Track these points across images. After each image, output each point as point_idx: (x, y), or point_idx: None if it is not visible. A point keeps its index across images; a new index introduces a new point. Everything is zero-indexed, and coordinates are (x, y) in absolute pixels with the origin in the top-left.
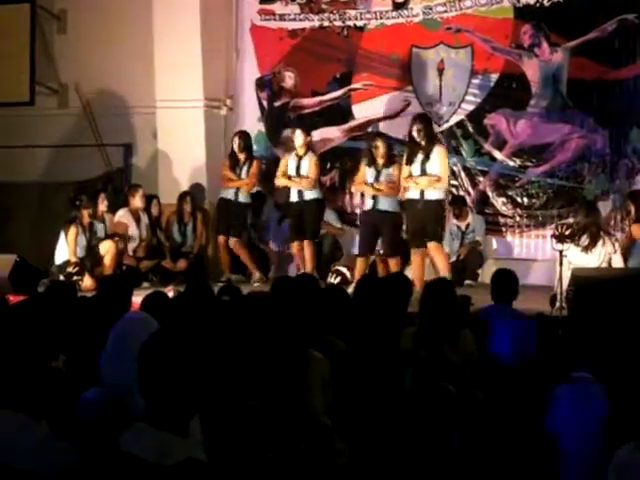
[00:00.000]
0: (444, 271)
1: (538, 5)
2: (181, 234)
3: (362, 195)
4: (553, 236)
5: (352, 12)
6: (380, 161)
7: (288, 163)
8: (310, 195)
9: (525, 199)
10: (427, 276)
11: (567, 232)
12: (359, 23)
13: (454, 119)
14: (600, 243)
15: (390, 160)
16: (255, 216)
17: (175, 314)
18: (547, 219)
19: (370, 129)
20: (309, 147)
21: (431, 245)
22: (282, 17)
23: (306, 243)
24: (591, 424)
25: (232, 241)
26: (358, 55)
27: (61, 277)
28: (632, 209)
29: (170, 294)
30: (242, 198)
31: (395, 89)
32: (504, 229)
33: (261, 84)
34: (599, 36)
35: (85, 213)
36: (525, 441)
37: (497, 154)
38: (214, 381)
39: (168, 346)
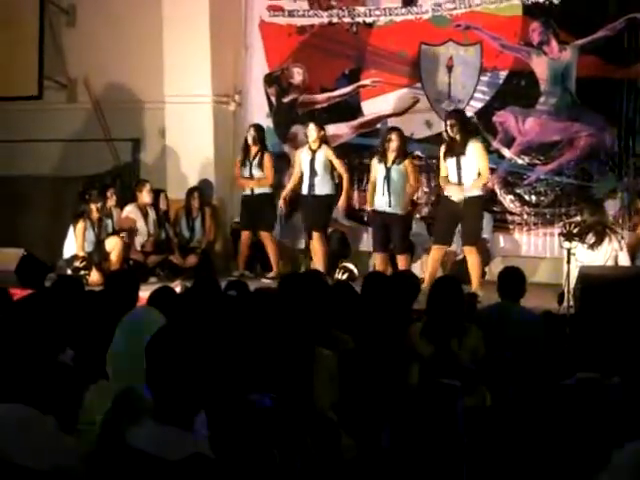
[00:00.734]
0: (476, 281)
1: (547, 3)
2: (189, 229)
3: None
4: (561, 234)
5: (361, 9)
6: (391, 156)
7: (302, 157)
8: (323, 190)
9: (533, 197)
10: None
11: (575, 230)
12: (368, 20)
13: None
14: (606, 241)
15: (403, 155)
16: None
17: (182, 309)
18: (555, 217)
19: (379, 125)
20: (323, 141)
21: (470, 250)
22: (291, 13)
23: (316, 236)
24: None
25: (264, 234)
26: (367, 52)
27: (68, 271)
28: None
29: (177, 289)
30: (265, 190)
31: (404, 86)
32: (512, 227)
33: (270, 80)
34: (608, 34)
35: (94, 208)
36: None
37: (505, 152)
38: (220, 376)
39: (175, 341)
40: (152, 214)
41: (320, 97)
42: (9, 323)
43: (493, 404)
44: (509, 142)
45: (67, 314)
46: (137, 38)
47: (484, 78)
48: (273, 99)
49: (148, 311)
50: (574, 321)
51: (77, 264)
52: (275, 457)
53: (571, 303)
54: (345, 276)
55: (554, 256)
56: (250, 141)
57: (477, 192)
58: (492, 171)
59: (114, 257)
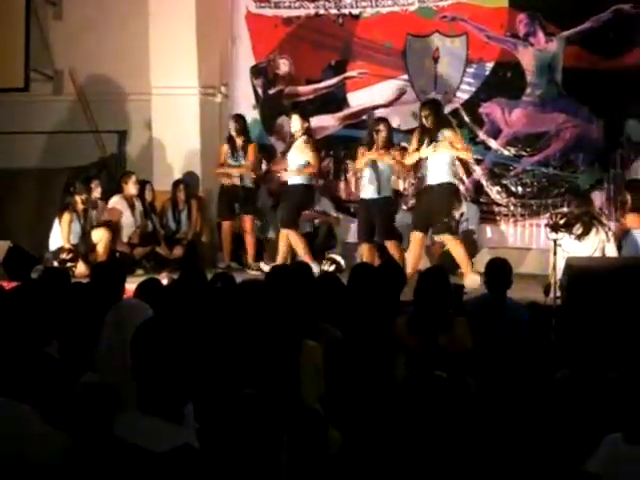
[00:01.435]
0: (465, 265)
1: None
2: (175, 221)
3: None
4: (547, 225)
5: (347, 0)
6: (379, 145)
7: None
8: (295, 180)
9: (519, 188)
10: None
11: (561, 221)
12: (354, 11)
13: (449, 108)
14: (593, 232)
15: (390, 145)
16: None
17: (169, 301)
18: (541, 208)
19: (365, 117)
20: (305, 132)
21: (445, 238)
22: (277, 4)
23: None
24: None
25: (247, 218)
26: (353, 43)
27: (55, 263)
28: (629, 199)
29: (164, 281)
30: (248, 183)
31: (390, 77)
32: (498, 218)
33: (256, 71)
34: (594, 26)
35: (79, 199)
36: (518, 428)
37: (492, 143)
38: (207, 368)
39: (162, 333)
40: (138, 205)
41: (306, 88)
42: None
43: (479, 395)
44: (495, 133)
45: (53, 306)
46: (123, 30)
47: (470, 69)
48: (259, 90)
49: (136, 303)
50: (561, 312)
51: (63, 256)
52: (262, 448)
53: (558, 294)
54: (332, 268)
55: (540, 247)
56: (234, 132)
57: (447, 179)
58: (478, 162)
59: (100, 249)
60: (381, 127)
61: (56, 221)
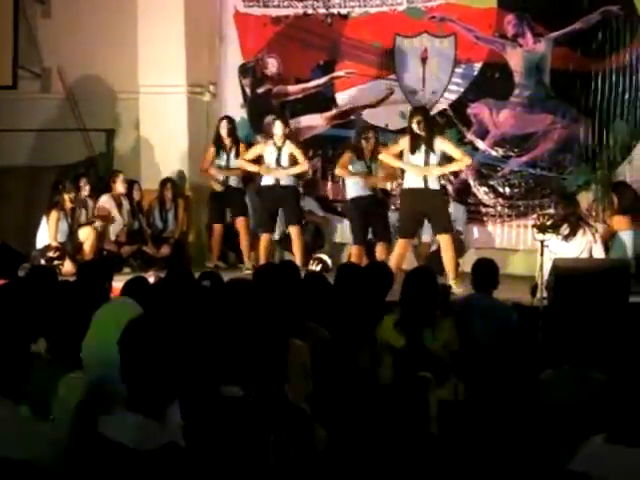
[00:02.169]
0: (452, 270)
1: None
2: (162, 220)
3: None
4: (534, 226)
5: (336, 0)
6: (368, 154)
7: (266, 151)
8: (288, 181)
9: (507, 189)
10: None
11: (548, 222)
12: (343, 11)
13: (437, 108)
14: (580, 233)
15: (376, 153)
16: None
17: (156, 299)
18: (529, 209)
19: (353, 117)
20: (287, 137)
21: (445, 237)
22: (266, 4)
23: (294, 230)
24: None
25: (239, 220)
26: (342, 43)
27: (42, 261)
28: (615, 200)
29: (151, 279)
30: (235, 183)
31: (378, 77)
32: (485, 218)
33: (244, 71)
34: (583, 27)
35: (67, 198)
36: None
37: (479, 143)
38: (194, 367)
39: (149, 331)
40: (126, 204)
41: (294, 88)
42: None
43: (466, 396)
44: (483, 134)
45: (40, 304)
46: (112, 28)
47: (458, 70)
48: (247, 90)
49: (124, 302)
50: (547, 313)
51: (50, 254)
52: (248, 447)
53: (544, 295)
54: (319, 267)
55: (528, 248)
56: (225, 133)
57: (438, 186)
58: None
59: (87, 247)
60: (370, 135)
61: (44, 219)
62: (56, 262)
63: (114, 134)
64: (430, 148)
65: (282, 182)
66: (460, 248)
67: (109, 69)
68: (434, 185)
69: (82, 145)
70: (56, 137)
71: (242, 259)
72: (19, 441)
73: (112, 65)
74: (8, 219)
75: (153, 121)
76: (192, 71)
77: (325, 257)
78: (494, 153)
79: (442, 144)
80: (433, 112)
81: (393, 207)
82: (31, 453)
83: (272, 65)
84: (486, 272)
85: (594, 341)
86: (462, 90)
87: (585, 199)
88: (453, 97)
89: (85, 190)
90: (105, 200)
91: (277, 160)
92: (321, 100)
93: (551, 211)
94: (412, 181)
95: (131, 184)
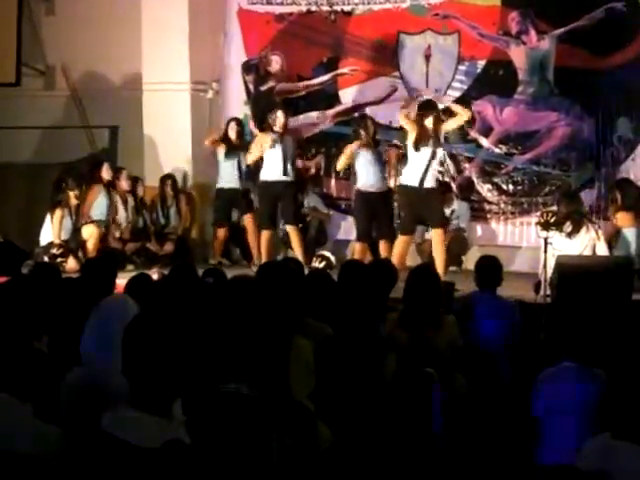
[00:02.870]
0: (441, 266)
1: None
2: (164, 217)
3: (347, 178)
4: (538, 223)
5: None
6: (370, 142)
7: (268, 146)
8: (289, 178)
9: (510, 186)
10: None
11: (552, 220)
12: (346, 8)
13: (440, 105)
14: (584, 230)
15: (375, 143)
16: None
17: (159, 296)
18: (532, 206)
19: (356, 114)
20: (287, 128)
21: (438, 232)
22: (269, 1)
23: (291, 229)
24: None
25: (247, 217)
26: (345, 40)
27: (45, 258)
28: (619, 197)
29: (154, 276)
30: (241, 181)
31: (382, 75)
32: (489, 216)
33: (247, 68)
34: (586, 24)
35: (71, 195)
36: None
37: (483, 141)
38: (197, 363)
39: (152, 328)
40: (131, 201)
41: (298, 85)
42: None
43: (470, 393)
44: (487, 131)
45: (44, 301)
46: (115, 25)
47: (462, 67)
48: (251, 87)
49: (123, 299)
50: (550, 310)
51: (54, 251)
52: (252, 444)
53: (547, 292)
54: (323, 264)
55: (531, 245)
56: (234, 135)
57: (434, 184)
58: (469, 160)
59: (90, 245)
60: (369, 123)
61: (48, 216)
62: (59, 259)
63: (117, 131)
64: (438, 142)
65: (282, 178)
66: (463, 245)
67: (113, 66)
68: (429, 184)
69: (85, 142)
70: (60, 134)
71: (249, 256)
72: (24, 438)
73: (116, 62)
74: (11, 216)
75: (156, 118)
76: (195, 68)
77: (329, 254)
78: (498, 150)
79: (446, 126)
80: None
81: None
82: (35, 450)
83: (276, 62)
84: (490, 269)
85: (597, 338)
86: (466, 87)
87: (589, 197)
88: (457, 94)
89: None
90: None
91: (284, 151)
92: (324, 97)
93: (554, 208)
94: (409, 179)
95: (135, 181)
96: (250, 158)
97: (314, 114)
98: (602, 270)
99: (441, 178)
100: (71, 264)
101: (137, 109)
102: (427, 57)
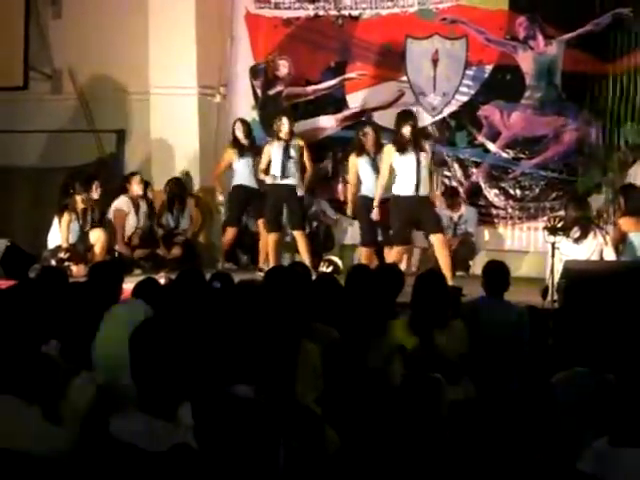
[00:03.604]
0: (447, 269)
1: None
2: (173, 219)
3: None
4: (545, 228)
5: (347, 1)
6: (371, 149)
7: (274, 147)
8: (293, 182)
9: (518, 191)
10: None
11: (559, 224)
12: (354, 12)
13: (448, 110)
14: (591, 235)
15: (379, 147)
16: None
17: (166, 301)
18: (539, 211)
19: (363, 119)
20: (293, 134)
21: (439, 237)
22: (277, 5)
23: (299, 234)
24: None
25: (261, 221)
26: (352, 44)
27: (52, 262)
28: (622, 202)
29: (162, 281)
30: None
31: (389, 79)
32: (496, 221)
33: (255, 72)
34: (594, 29)
35: (79, 199)
36: (515, 433)
37: (490, 146)
38: (205, 367)
39: (159, 332)
40: (143, 206)
41: (305, 90)
42: None
43: (477, 398)
44: (494, 136)
45: (51, 305)
46: (122, 29)
47: (469, 72)
48: (259, 91)
49: (134, 303)
50: (558, 316)
51: (61, 255)
52: (259, 449)
53: (555, 297)
54: (330, 269)
55: (538, 250)
56: (241, 135)
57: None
58: (477, 165)
59: (98, 249)
60: (367, 130)
61: (55, 220)
62: (67, 263)
63: (125, 135)
64: (420, 148)
65: (287, 181)
66: (471, 250)
67: (120, 70)
68: (424, 191)
69: (93, 146)
70: (67, 138)
71: (257, 261)
72: (31, 441)
73: (123, 66)
74: (18, 220)
75: (164, 122)
76: (203, 72)
77: (336, 259)
78: (505, 155)
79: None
80: (444, 114)
81: None
82: (42, 453)
83: (283, 66)
84: (497, 274)
85: (605, 344)
86: (473, 92)
87: (596, 202)
88: (464, 99)
89: (96, 193)
90: (122, 202)
91: (285, 153)
92: (332, 102)
93: (562, 213)
94: (402, 188)
95: (145, 185)
96: (260, 169)
97: (329, 118)
98: (610, 275)
99: (448, 183)
100: (78, 268)
101: (145, 113)
102: (435, 62)
